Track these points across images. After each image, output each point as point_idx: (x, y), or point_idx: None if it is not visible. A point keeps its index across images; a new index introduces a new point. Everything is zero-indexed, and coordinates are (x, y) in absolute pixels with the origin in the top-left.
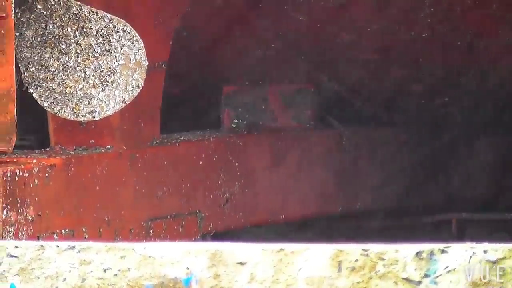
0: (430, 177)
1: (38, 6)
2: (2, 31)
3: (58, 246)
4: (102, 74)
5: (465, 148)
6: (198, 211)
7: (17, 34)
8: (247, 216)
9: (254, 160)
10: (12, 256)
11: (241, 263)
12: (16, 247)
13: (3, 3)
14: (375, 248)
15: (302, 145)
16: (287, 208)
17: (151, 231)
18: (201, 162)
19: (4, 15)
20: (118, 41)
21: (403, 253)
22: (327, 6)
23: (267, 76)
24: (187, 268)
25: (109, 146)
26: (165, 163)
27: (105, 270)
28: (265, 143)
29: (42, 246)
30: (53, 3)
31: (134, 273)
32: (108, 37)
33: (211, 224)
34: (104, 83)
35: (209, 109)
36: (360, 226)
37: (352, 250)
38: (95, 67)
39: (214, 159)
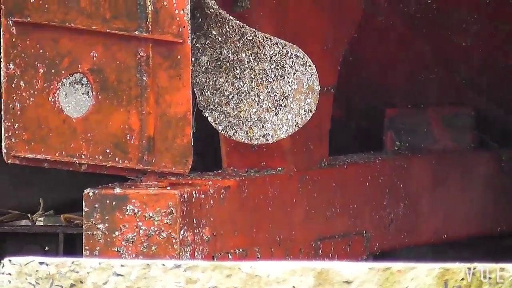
0: None
1: (213, 32)
2: (179, 57)
3: (164, 265)
4: (275, 98)
5: None
6: (364, 231)
7: (193, 59)
8: (411, 236)
9: (417, 181)
10: (118, 274)
11: (347, 282)
12: (122, 265)
13: (180, 30)
14: (481, 267)
15: (462, 167)
16: (448, 228)
17: (320, 251)
18: (367, 184)
19: (181, 41)
20: (291, 66)
21: (509, 272)
22: (490, 32)
23: (429, 99)
24: (293, 287)
25: (280, 168)
26: (334, 184)
27: None
28: (428, 165)
29: (148, 264)
30: (228, 29)
31: None
32: (282, 63)
33: (377, 244)
34: (277, 107)
35: (371, 131)
36: None
37: (458, 269)
38: (268, 92)
39: (380, 180)
